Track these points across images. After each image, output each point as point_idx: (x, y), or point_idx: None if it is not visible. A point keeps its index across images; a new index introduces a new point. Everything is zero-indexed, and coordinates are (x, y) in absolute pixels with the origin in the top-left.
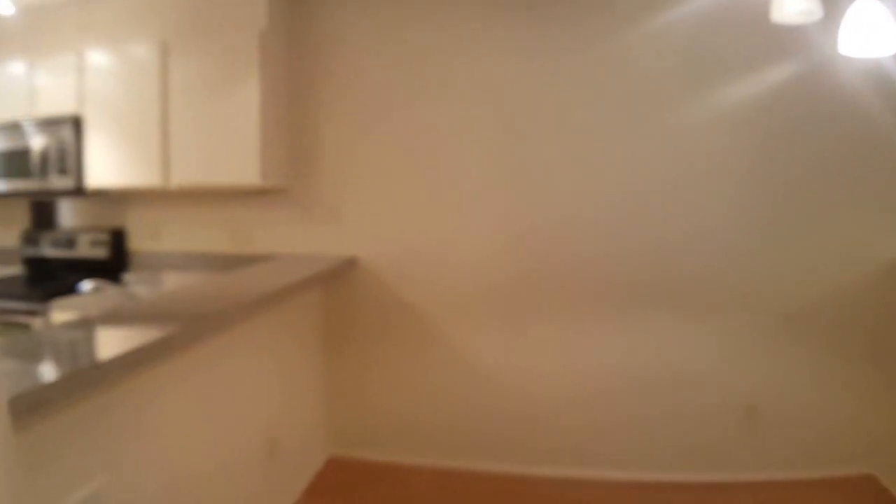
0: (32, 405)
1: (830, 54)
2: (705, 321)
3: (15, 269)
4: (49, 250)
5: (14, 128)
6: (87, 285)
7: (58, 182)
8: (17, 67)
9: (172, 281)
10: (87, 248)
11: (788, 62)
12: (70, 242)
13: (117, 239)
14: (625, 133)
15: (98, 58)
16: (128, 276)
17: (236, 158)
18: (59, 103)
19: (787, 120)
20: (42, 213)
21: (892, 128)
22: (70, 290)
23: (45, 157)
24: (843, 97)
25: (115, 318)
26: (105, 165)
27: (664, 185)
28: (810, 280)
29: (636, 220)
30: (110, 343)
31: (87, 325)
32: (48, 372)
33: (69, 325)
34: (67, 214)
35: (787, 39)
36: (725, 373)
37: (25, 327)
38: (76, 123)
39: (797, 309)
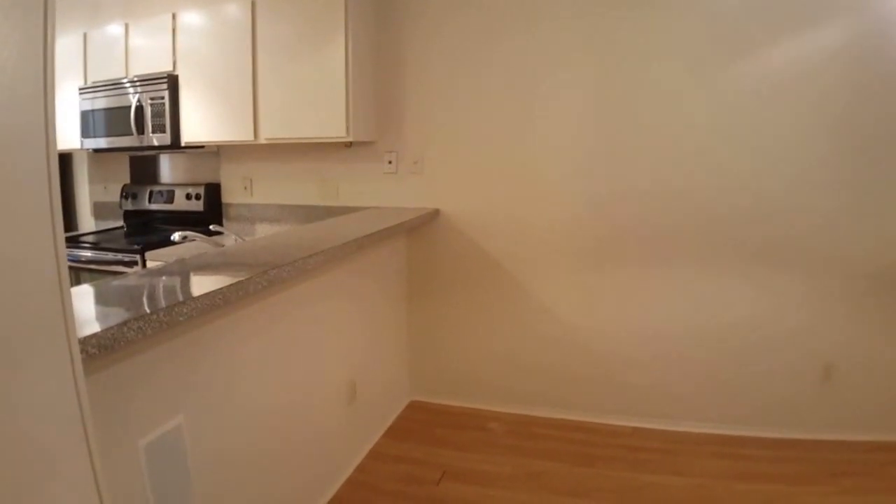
0: (104, 346)
1: None
2: (786, 278)
3: (117, 223)
4: (148, 204)
5: (114, 87)
6: (176, 236)
7: (155, 138)
8: (115, 29)
9: (263, 232)
10: (184, 202)
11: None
12: (168, 196)
13: (212, 192)
14: (712, 88)
15: (191, 18)
16: (219, 228)
17: (323, 112)
18: (154, 63)
19: (878, 74)
20: (141, 168)
21: None
22: (164, 241)
23: (142, 114)
24: None
25: (195, 265)
26: (198, 121)
27: (749, 142)
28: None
29: (721, 176)
30: (185, 288)
31: (166, 272)
32: (117, 314)
33: (150, 272)
34: (165, 170)
35: None
36: (804, 330)
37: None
38: (172, 81)
39: (880, 269)
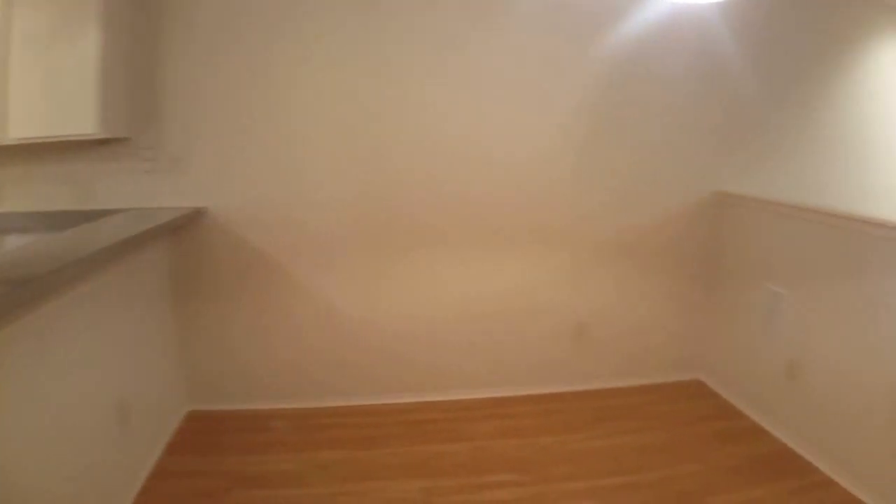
0: None
1: None
2: (539, 254)
3: None
4: None
5: None
6: None
7: None
8: None
9: (10, 245)
10: None
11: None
12: None
13: None
14: (461, 83)
15: None
16: None
17: (75, 108)
18: None
19: (614, 60)
20: None
21: (720, 71)
22: None
23: None
24: (675, 37)
25: None
26: None
27: (499, 131)
28: (635, 212)
29: (475, 162)
30: None
31: None
32: None
33: None
34: None
35: None
36: (558, 297)
37: None
38: None
39: (613, 239)
